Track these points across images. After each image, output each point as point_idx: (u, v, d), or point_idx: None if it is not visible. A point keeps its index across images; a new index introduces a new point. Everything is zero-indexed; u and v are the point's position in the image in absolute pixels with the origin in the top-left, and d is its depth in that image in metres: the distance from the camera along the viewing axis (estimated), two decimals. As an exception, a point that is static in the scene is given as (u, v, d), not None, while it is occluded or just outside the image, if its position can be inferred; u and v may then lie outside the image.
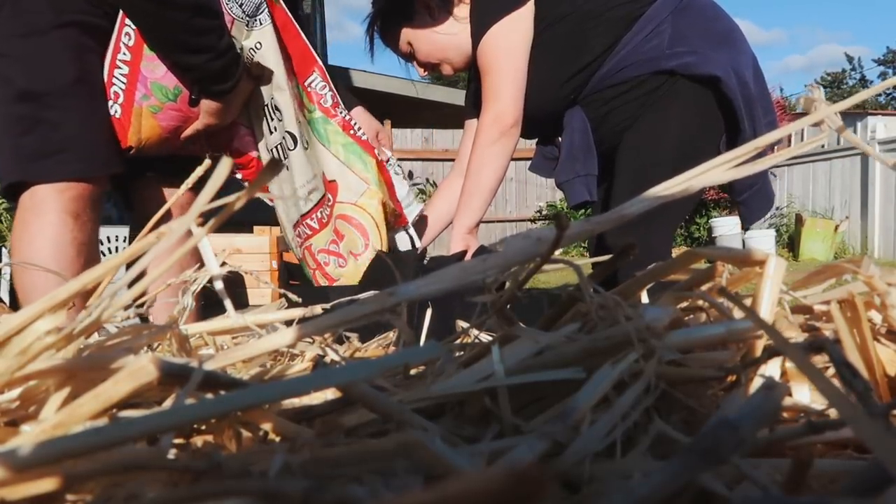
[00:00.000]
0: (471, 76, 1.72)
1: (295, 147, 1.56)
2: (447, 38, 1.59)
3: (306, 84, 1.58)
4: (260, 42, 1.47)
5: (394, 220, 1.63)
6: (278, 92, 1.52)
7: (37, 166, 1.31)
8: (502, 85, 1.47)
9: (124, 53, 1.38)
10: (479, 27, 1.48)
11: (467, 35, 1.55)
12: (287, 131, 1.54)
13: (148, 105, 1.41)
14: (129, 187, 1.60)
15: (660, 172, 1.47)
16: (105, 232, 3.30)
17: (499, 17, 1.45)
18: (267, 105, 1.55)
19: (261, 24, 1.46)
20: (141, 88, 1.40)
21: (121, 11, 1.36)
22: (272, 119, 1.56)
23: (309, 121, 1.59)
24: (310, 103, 1.59)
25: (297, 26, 1.53)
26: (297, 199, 1.60)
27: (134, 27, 1.36)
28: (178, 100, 1.41)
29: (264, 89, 1.54)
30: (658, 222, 1.44)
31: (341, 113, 1.60)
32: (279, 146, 1.58)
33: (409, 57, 1.65)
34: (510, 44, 1.46)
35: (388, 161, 1.65)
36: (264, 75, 1.50)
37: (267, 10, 1.46)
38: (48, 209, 1.32)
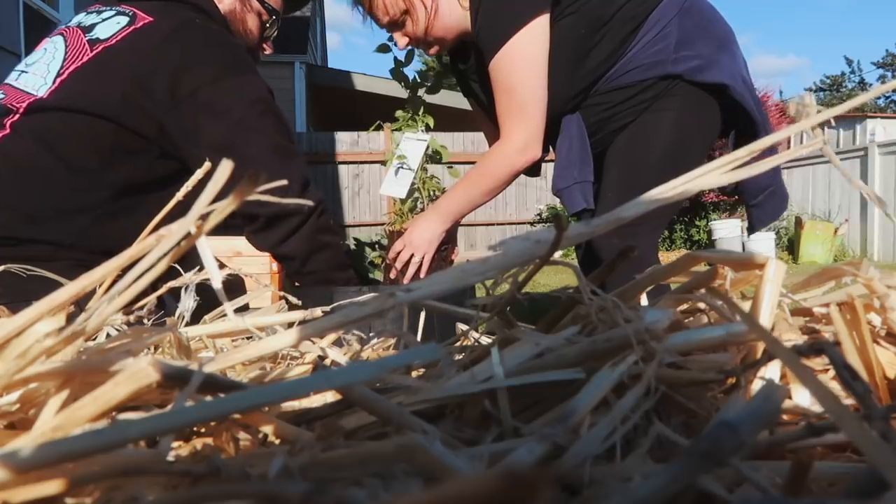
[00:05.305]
0: (460, 74, 1.66)
1: None
2: (450, 21, 1.46)
3: None
4: None
5: None
6: None
7: None
8: (528, 106, 1.38)
9: None
10: (494, 39, 1.36)
11: (466, 22, 1.45)
12: None
13: None
14: None
15: (648, 171, 1.45)
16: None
17: (516, 28, 1.33)
18: None
19: None
20: None
21: None
22: None
23: None
24: None
25: None
26: None
27: None
28: None
29: None
30: (644, 226, 1.40)
31: None
32: None
33: (395, 26, 1.49)
34: (530, 59, 1.36)
35: None
36: None
37: None
38: None
